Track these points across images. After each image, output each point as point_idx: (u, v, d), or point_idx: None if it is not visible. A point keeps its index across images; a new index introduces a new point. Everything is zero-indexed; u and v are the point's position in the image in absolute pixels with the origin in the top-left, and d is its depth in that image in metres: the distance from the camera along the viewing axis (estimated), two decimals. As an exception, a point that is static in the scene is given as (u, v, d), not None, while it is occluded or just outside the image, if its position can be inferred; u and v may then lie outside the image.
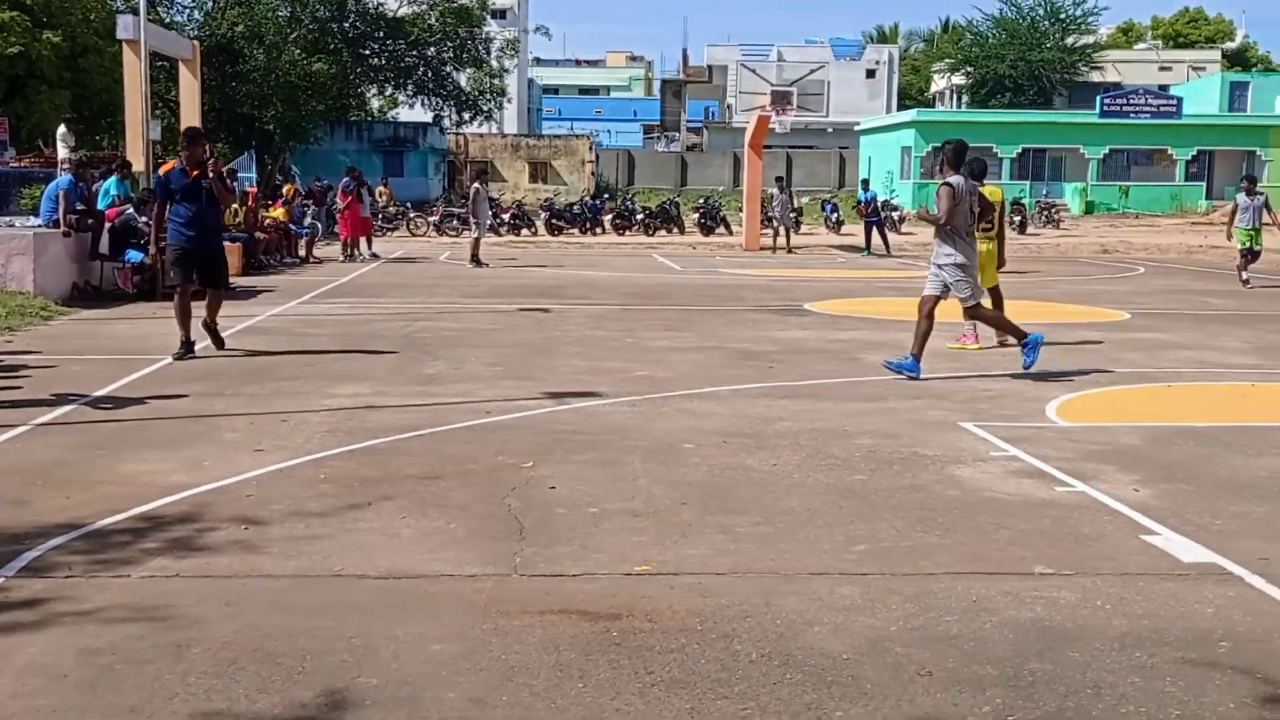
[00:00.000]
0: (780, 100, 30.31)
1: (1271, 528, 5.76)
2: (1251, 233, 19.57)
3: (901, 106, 68.68)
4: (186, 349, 10.70)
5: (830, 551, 5.29)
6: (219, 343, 11.19)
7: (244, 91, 39.31)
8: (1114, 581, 4.93)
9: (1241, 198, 19.73)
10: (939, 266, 10.05)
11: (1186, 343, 12.63)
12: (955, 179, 9.81)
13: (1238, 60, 74.88)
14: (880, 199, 32.74)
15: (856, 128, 58.21)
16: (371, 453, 7.12)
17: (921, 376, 9.89)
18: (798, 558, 5.19)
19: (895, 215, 37.19)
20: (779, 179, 31.17)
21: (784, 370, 10.54)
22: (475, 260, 23.05)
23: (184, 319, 10.75)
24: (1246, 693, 3.89)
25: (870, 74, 73.54)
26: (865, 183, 33.07)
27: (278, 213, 24.64)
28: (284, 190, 28.21)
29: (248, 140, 39.91)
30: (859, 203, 30.78)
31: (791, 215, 30.69)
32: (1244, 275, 19.82)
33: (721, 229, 36.11)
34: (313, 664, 4.01)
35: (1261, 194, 19.80)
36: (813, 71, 33.77)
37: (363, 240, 25.54)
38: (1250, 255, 19.84)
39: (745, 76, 32.76)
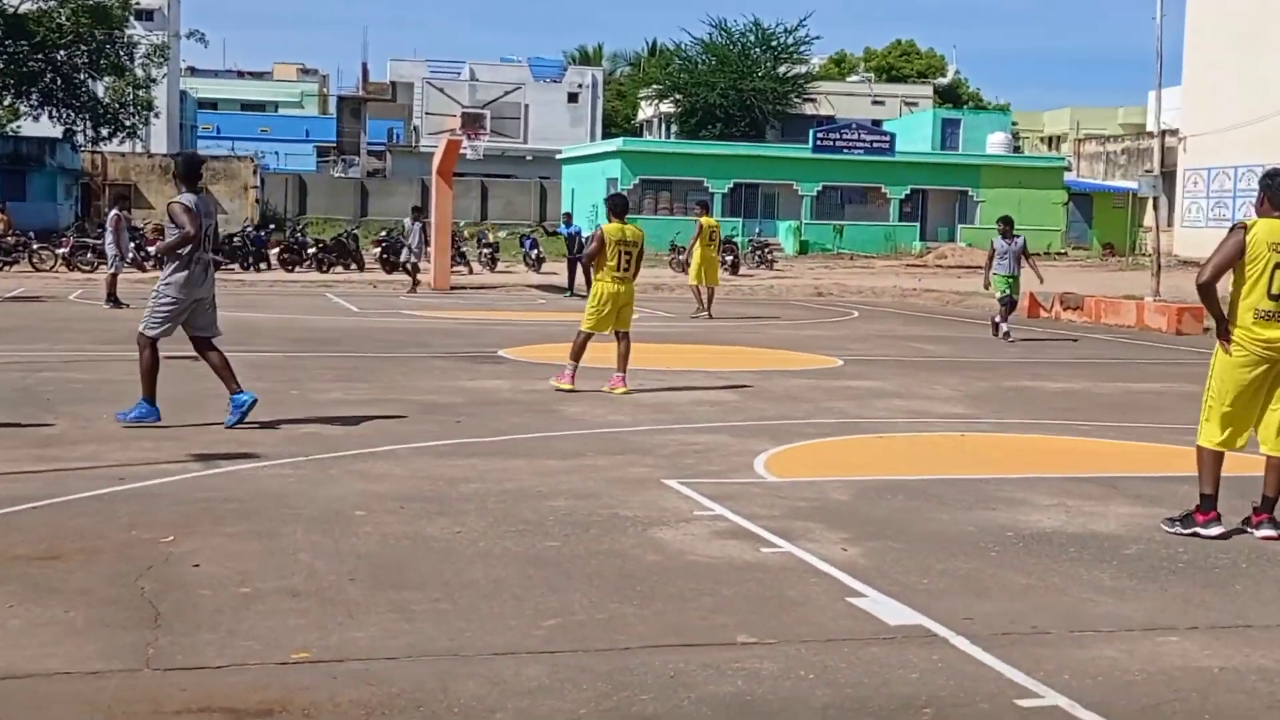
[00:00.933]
0: (473, 123, 30.55)
1: (975, 584, 6.18)
2: (1010, 280, 19.45)
3: (607, 134, 70.60)
4: None
5: (517, 628, 5.30)
6: None
7: None
8: (818, 649, 5.15)
9: (998, 241, 19.62)
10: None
11: (898, 390, 13.44)
12: (188, 197, 10.01)
13: (949, 96, 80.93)
14: (585, 234, 33.34)
15: (558, 156, 59.37)
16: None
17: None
18: (480, 636, 5.18)
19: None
20: (415, 208, 31.33)
21: (473, 425, 10.53)
22: (113, 299, 21.99)
23: None
24: (948, 759, 4.14)
25: (573, 98, 75.24)
26: (568, 216, 33.63)
27: None
28: None
29: None
30: (563, 235, 31.11)
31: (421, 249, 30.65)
32: (1004, 327, 19.57)
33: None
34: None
35: (1019, 236, 19.84)
36: (509, 93, 34.30)
37: None
38: (1009, 305, 19.69)
39: (433, 96, 32.87)
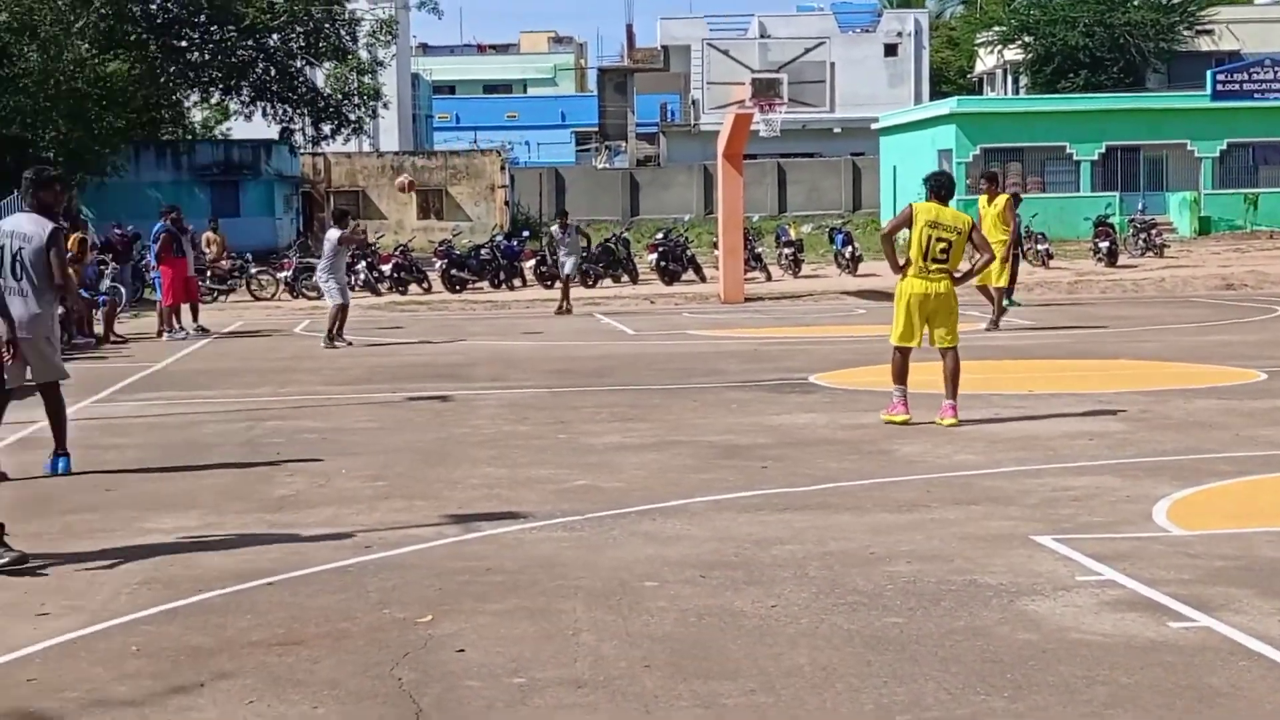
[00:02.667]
0: (766, 91, 30.64)
1: None
2: None
3: (936, 94, 69.71)
4: None
5: (856, 727, 5.31)
6: None
7: (12, 105, 39.25)
8: (1254, 753, 4.98)
9: None
10: None
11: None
12: None
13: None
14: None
15: (874, 125, 58.93)
16: (202, 611, 7.08)
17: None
18: (810, 738, 5.21)
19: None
20: (561, 213, 31.63)
21: (782, 471, 10.57)
22: (332, 338, 21.81)
23: None
24: None
25: (890, 51, 74.78)
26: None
27: (61, 274, 24.59)
28: (70, 243, 28.16)
29: (17, 173, 39.85)
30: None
31: (577, 258, 30.25)
32: None
33: (690, 273, 36.30)
34: None
35: None
36: (810, 50, 34.13)
37: (185, 309, 25.36)
38: None
39: (715, 60, 33.14)
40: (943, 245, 12.37)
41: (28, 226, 10.74)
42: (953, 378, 12.52)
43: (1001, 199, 21.98)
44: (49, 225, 10.79)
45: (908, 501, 9.39)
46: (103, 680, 6.05)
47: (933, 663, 6.03)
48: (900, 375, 12.57)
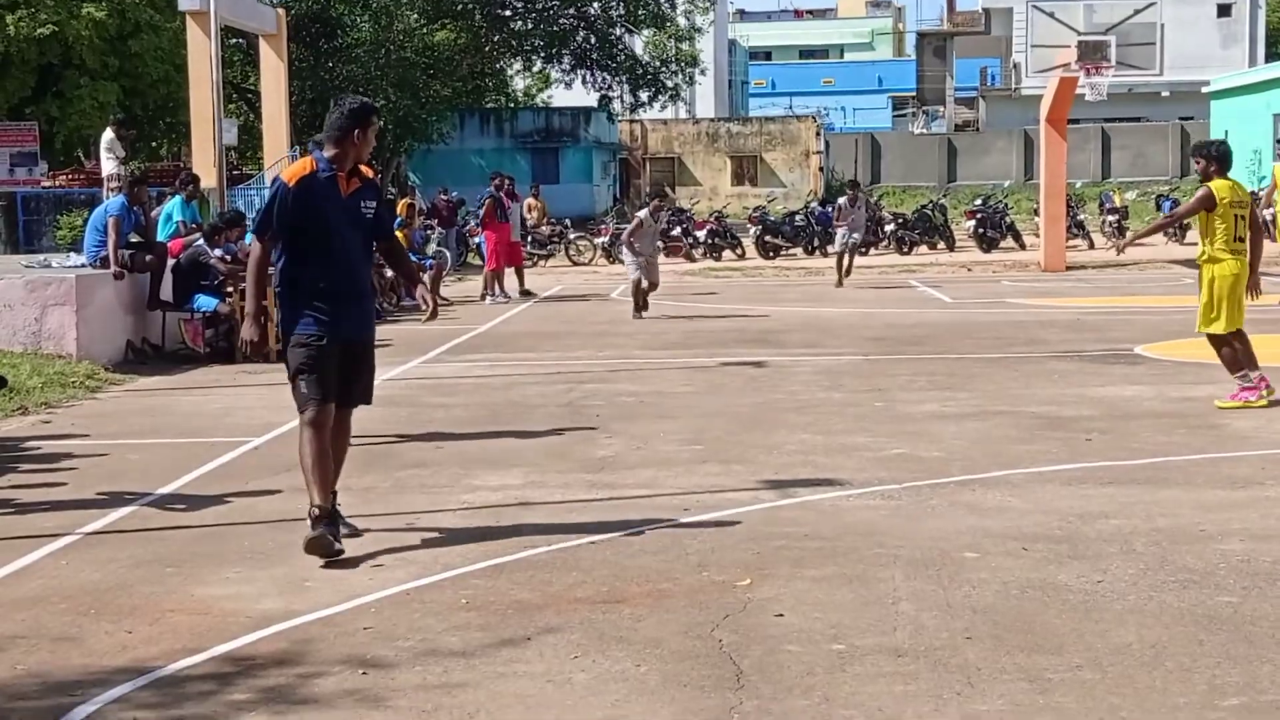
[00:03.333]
0: (1092, 54, 29.86)
1: None
2: None
3: (1271, 56, 66.84)
4: (326, 522, 7.53)
5: (1186, 707, 5.19)
6: (328, 544, 7.52)
7: (344, 74, 40.59)
8: None
9: None
10: None
11: None
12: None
13: None
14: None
15: (1205, 89, 56.81)
16: (528, 567, 7.27)
17: None
18: (1139, 715, 5.11)
19: (1269, 215, 36.07)
20: (851, 183, 30.40)
21: (1108, 444, 10.39)
22: (637, 310, 21.38)
23: (322, 468, 7.66)
24: None
25: (1224, 10, 71.84)
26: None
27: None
28: (399, 208, 29.09)
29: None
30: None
31: (861, 233, 28.77)
32: None
33: (1008, 240, 35.73)
34: None
35: None
36: (1140, 11, 33.13)
37: (509, 273, 25.88)
38: None
39: (1040, 22, 32.41)
40: (1244, 221, 11.75)
41: None
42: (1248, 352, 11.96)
43: None
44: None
45: (1241, 478, 9.10)
46: (434, 631, 6.27)
47: (1269, 645, 5.84)
48: (1239, 362, 11.89)
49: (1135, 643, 5.91)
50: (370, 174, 7.88)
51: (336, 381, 7.64)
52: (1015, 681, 5.49)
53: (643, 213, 22.28)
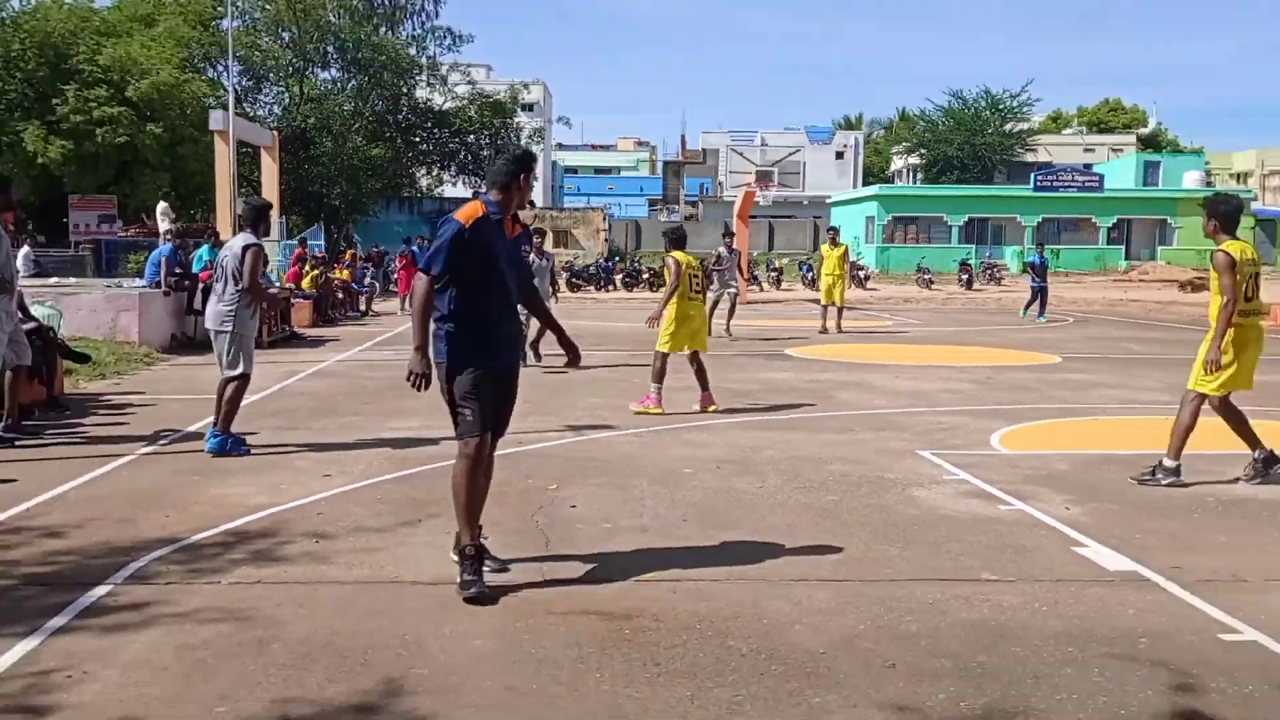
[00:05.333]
0: (763, 178, 30.65)
1: (1181, 541, 5.75)
2: None
3: (866, 183, 68.91)
4: (473, 564, 4.90)
5: (808, 562, 5.29)
6: (485, 598, 4.78)
7: (315, 173, 39.58)
8: (1049, 587, 4.92)
9: None
10: None
11: (1109, 383, 12.62)
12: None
13: (1150, 143, 75.00)
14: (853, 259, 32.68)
15: (828, 200, 58.32)
16: (421, 478, 7.14)
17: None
18: (781, 567, 5.20)
19: (861, 274, 37.22)
20: (729, 233, 20.40)
21: (766, 406, 10.52)
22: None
23: (474, 507, 5.05)
24: (1162, 681, 3.88)
25: (839, 155, 73.72)
26: (1040, 245, 27.02)
27: (343, 274, 24.78)
28: (346, 255, 28.38)
29: (317, 214, 40.19)
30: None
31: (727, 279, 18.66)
32: None
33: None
34: (373, 657, 4.03)
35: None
36: (791, 154, 33.93)
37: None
38: None
39: (734, 158, 33.01)
40: (1255, 281, 7.04)
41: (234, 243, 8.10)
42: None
43: None
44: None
45: (841, 427, 9.30)
46: (362, 516, 6.11)
47: (855, 525, 6.00)
48: (1251, 440, 7.19)
49: (780, 524, 6.01)
50: (522, 224, 5.46)
51: (494, 412, 5.16)
52: (711, 546, 5.55)
53: (530, 256, 21.75)
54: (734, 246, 19.17)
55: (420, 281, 5.00)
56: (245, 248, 7.90)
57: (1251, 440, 7.20)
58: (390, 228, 45.74)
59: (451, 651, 4.09)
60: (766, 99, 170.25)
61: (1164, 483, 7.04)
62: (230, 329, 7.92)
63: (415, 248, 25.17)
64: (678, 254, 10.29)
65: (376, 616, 4.46)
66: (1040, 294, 24.42)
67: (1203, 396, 7.08)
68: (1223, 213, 7.05)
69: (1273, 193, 57.67)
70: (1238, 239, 7.07)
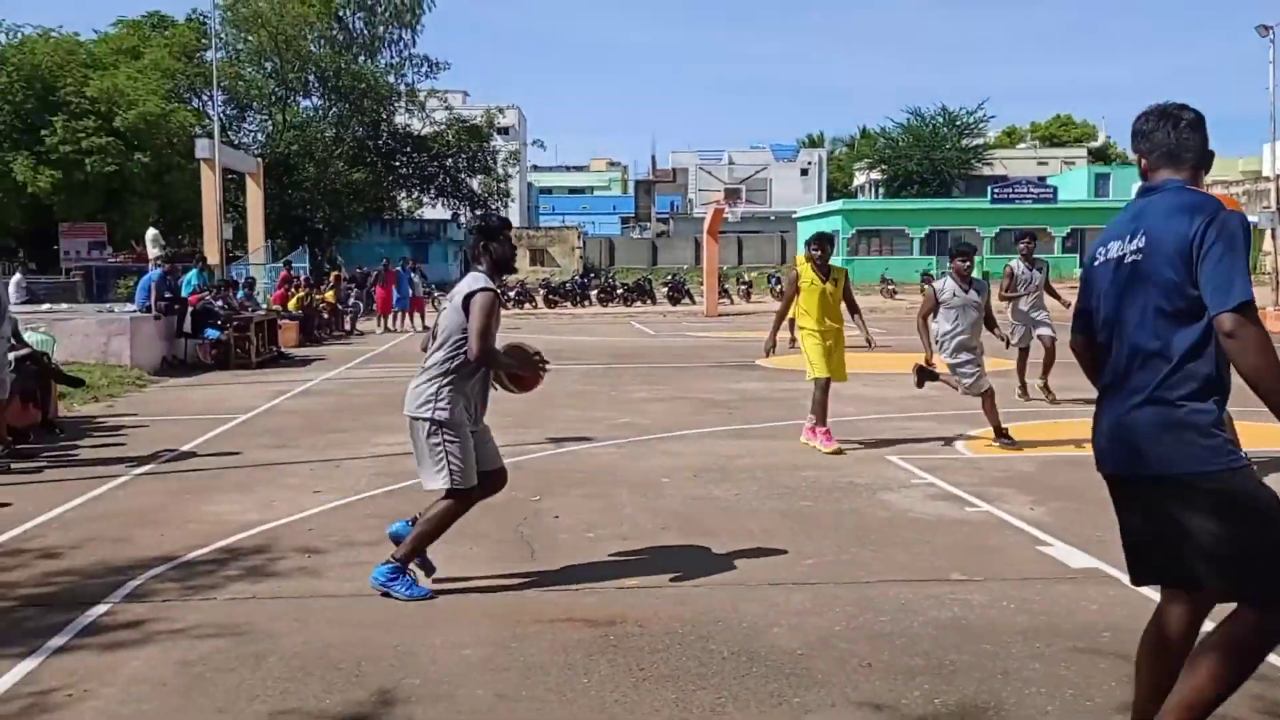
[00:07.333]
0: (732, 195, 30.85)
1: (1140, 537, 5.80)
2: None
3: (830, 197, 69.36)
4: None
5: (784, 565, 5.30)
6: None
7: (298, 197, 39.47)
8: (1016, 585, 4.96)
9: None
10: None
11: (1068, 385, 12.69)
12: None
13: (1101, 156, 75.81)
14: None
15: (794, 216, 58.62)
16: (408, 492, 7.08)
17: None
18: (758, 571, 5.21)
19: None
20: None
21: (742, 415, 10.54)
22: None
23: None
24: (1125, 673, 3.91)
25: (804, 172, 74.17)
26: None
27: (328, 295, 24.66)
28: (331, 276, 28.22)
29: (301, 237, 40.02)
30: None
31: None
32: None
33: (686, 300, 36.33)
34: (367, 668, 4.00)
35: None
36: (758, 172, 34.13)
37: (416, 316, 25.54)
38: None
39: (703, 177, 33.19)
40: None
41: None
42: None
43: None
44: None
45: (814, 434, 9.34)
46: (351, 530, 6.08)
47: (829, 529, 6.02)
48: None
49: (756, 529, 6.03)
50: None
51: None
52: (690, 552, 5.55)
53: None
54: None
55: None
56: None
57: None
58: (373, 249, 45.55)
59: (442, 661, 4.07)
60: (733, 119, 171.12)
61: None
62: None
63: (402, 268, 25.19)
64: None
65: (369, 628, 4.44)
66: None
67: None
68: None
69: (1216, 201, 58.19)
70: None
